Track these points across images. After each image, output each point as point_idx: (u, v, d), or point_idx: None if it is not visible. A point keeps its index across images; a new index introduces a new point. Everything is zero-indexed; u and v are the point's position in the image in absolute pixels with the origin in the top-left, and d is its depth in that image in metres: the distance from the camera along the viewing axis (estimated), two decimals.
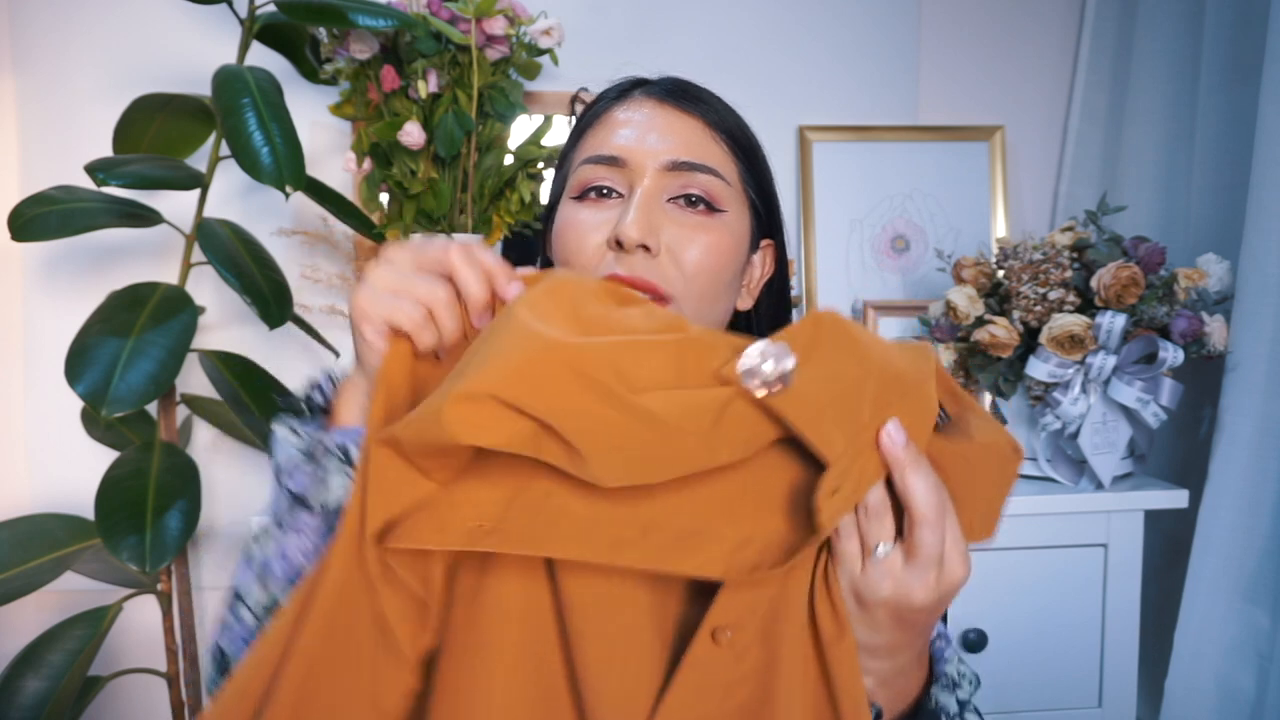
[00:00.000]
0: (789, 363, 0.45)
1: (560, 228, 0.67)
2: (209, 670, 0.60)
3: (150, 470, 1.23)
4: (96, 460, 1.35)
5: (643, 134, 0.66)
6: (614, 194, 0.66)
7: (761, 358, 0.45)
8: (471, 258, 0.52)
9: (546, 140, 1.42)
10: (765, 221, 0.72)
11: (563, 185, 0.71)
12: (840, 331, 0.49)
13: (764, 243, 0.73)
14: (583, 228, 0.65)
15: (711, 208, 0.66)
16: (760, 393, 0.45)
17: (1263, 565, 1.19)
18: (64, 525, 1.33)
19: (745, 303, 0.72)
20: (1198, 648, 1.24)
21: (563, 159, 0.73)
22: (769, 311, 0.76)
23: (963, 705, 0.58)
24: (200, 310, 1.24)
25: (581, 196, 0.67)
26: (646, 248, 0.63)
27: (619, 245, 0.63)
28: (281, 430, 0.58)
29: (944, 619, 0.73)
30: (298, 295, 1.38)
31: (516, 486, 0.47)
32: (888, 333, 1.54)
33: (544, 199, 1.42)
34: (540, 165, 1.42)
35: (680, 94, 0.69)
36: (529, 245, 1.61)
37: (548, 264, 0.74)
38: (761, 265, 0.73)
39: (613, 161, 0.66)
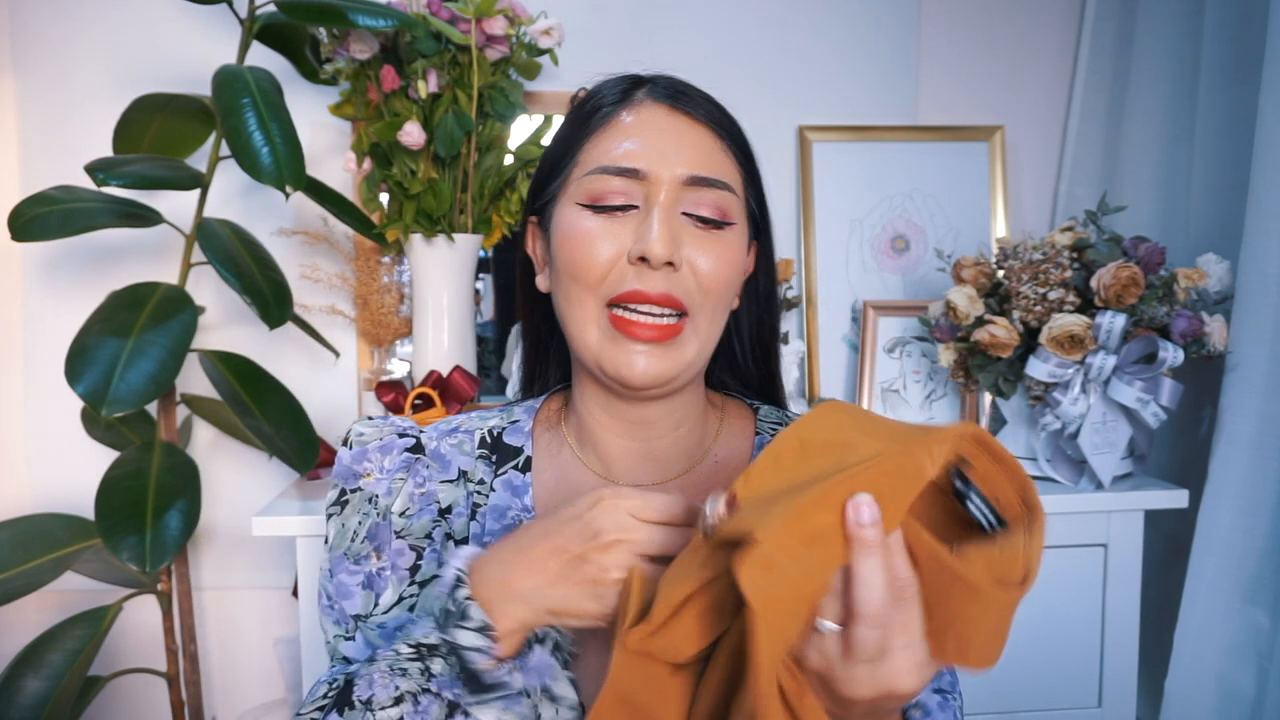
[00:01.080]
0: (721, 499, 0.48)
1: (568, 235, 0.67)
2: None
3: (150, 470, 1.23)
4: (96, 460, 1.35)
5: (659, 145, 0.66)
6: (630, 207, 0.66)
7: (708, 505, 0.49)
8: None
9: (546, 140, 1.42)
10: (757, 223, 0.73)
11: (560, 183, 0.70)
12: (824, 422, 0.49)
13: (751, 242, 0.74)
14: (595, 239, 0.65)
15: (722, 221, 0.67)
16: (714, 525, 0.48)
17: (1263, 565, 1.19)
18: (64, 525, 1.33)
19: (735, 303, 0.73)
20: (1198, 648, 1.24)
21: (561, 157, 0.70)
22: (753, 309, 0.76)
23: None
24: (200, 310, 1.24)
25: (595, 207, 0.66)
26: (670, 263, 0.63)
27: (643, 261, 0.64)
28: None
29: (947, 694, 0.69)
30: (298, 295, 1.38)
31: None
32: (888, 333, 1.54)
33: None
34: None
35: (686, 100, 0.69)
36: None
37: (527, 261, 0.75)
38: (746, 264, 0.74)
39: (631, 174, 0.65)
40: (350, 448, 0.72)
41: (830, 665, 0.46)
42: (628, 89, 0.70)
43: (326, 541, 0.71)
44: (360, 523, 0.70)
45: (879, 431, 0.48)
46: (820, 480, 0.45)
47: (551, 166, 0.71)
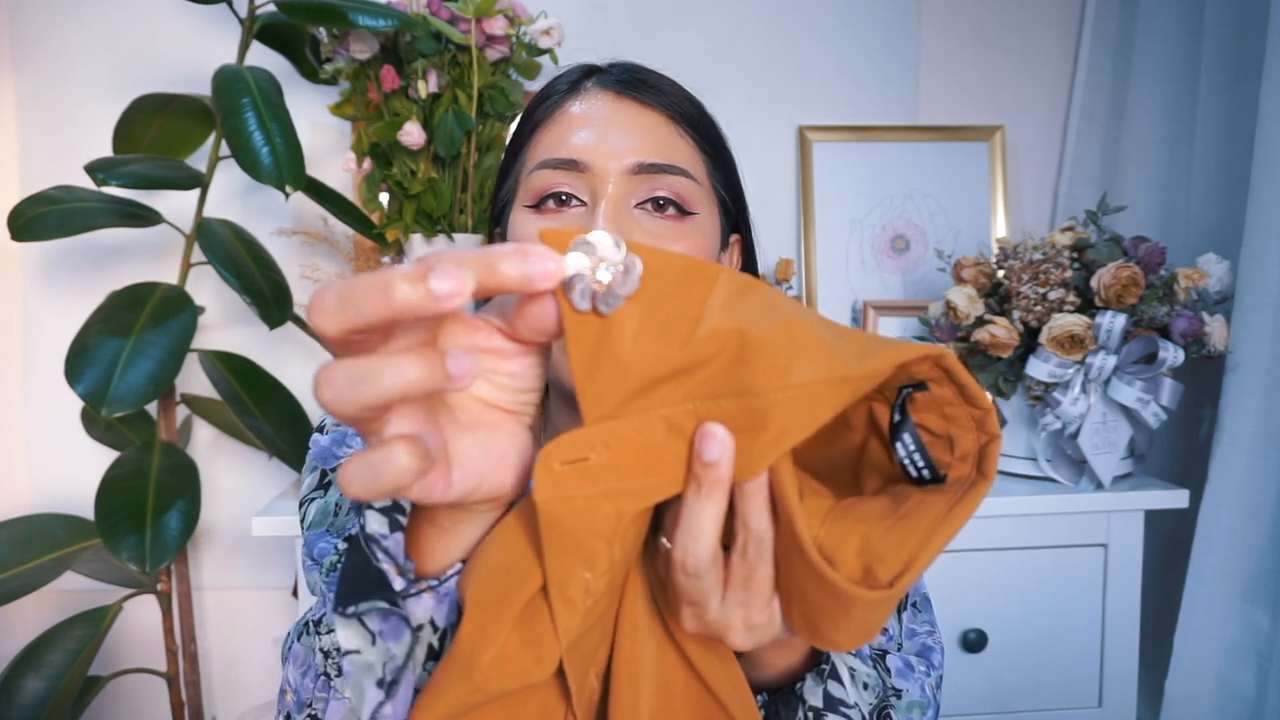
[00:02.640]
0: (628, 286, 0.33)
1: (515, 241, 0.61)
2: None
3: (150, 470, 1.23)
4: (96, 460, 1.35)
5: (603, 133, 0.60)
6: (575, 201, 0.60)
7: (601, 250, 0.33)
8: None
9: None
10: (733, 215, 0.68)
11: (514, 187, 0.65)
12: (753, 289, 0.36)
13: (732, 238, 0.69)
14: None
15: (682, 211, 0.61)
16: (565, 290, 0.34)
17: (1263, 565, 1.19)
18: (64, 525, 1.33)
19: None
20: (1198, 648, 1.24)
21: (512, 157, 0.66)
22: None
23: (834, 703, 0.49)
24: (200, 310, 1.24)
25: (538, 205, 0.61)
26: None
27: None
28: (347, 635, 0.41)
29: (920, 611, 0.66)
30: (298, 295, 1.38)
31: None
32: (888, 333, 1.54)
33: None
34: None
35: (638, 84, 0.63)
36: None
37: None
38: (729, 262, 0.69)
39: (571, 165, 0.60)
40: (326, 434, 0.68)
41: (662, 586, 0.40)
42: (578, 79, 0.65)
43: (303, 522, 0.66)
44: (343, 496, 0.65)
45: (816, 322, 0.35)
46: (702, 364, 0.34)
47: (505, 170, 0.67)
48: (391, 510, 0.42)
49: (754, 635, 0.39)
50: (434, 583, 0.42)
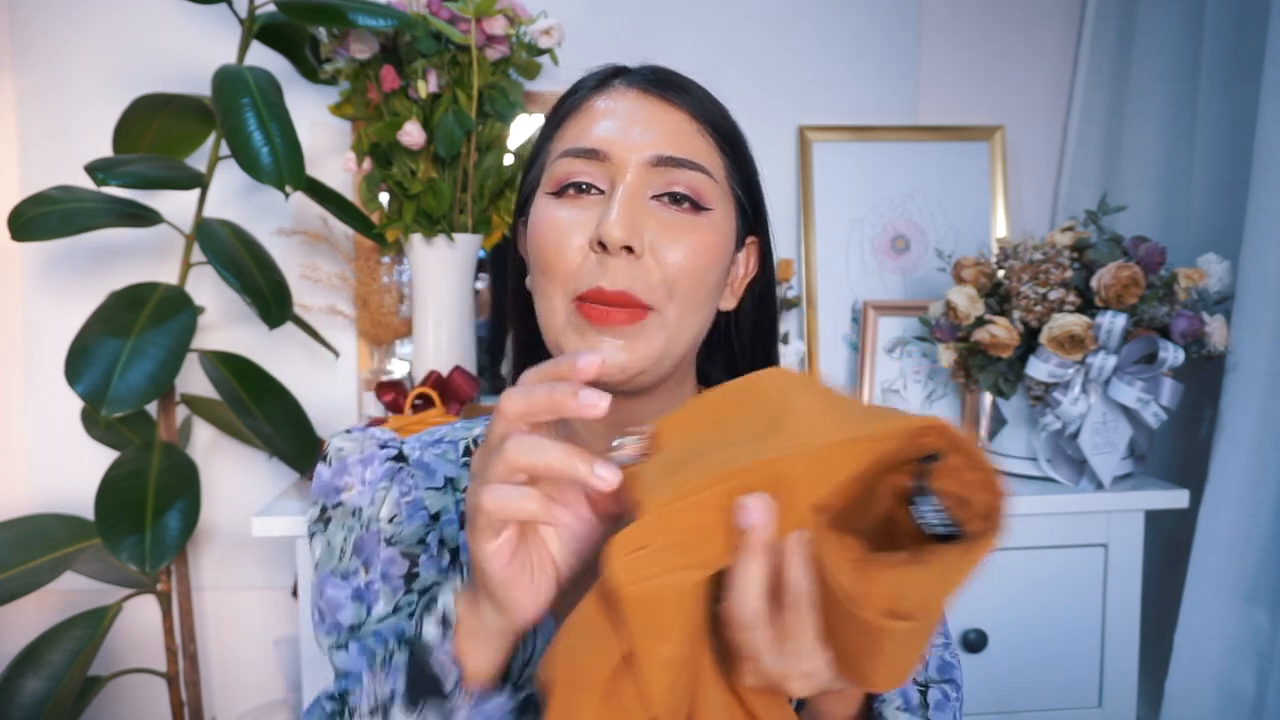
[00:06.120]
0: (634, 443, 0.45)
1: (537, 226, 0.64)
2: None
3: (150, 470, 1.23)
4: (96, 460, 1.35)
5: (625, 126, 0.63)
6: (594, 190, 0.62)
7: (621, 445, 0.45)
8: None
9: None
10: (751, 218, 0.69)
11: (538, 178, 0.67)
12: (774, 379, 0.44)
13: (749, 240, 0.70)
14: (562, 227, 0.61)
15: (697, 206, 0.62)
16: (622, 457, 0.44)
17: (1263, 565, 1.19)
18: (64, 525, 1.33)
19: (729, 303, 0.69)
20: (1198, 648, 1.24)
21: (538, 150, 0.68)
22: (751, 312, 0.73)
23: None
24: (200, 310, 1.24)
25: (559, 193, 0.63)
26: (630, 249, 0.59)
27: (601, 246, 0.59)
28: None
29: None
30: (298, 295, 1.38)
31: None
32: (888, 333, 1.54)
33: None
34: None
35: (664, 83, 0.65)
36: None
37: (519, 262, 0.71)
38: (745, 264, 0.70)
39: (592, 155, 0.62)
40: (330, 464, 0.69)
41: (723, 643, 0.45)
42: (607, 77, 0.67)
43: (313, 553, 0.69)
44: (345, 538, 0.67)
45: (825, 404, 0.43)
46: (740, 445, 0.42)
47: (530, 161, 0.69)
48: (442, 623, 0.51)
49: (811, 683, 0.43)
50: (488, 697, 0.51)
